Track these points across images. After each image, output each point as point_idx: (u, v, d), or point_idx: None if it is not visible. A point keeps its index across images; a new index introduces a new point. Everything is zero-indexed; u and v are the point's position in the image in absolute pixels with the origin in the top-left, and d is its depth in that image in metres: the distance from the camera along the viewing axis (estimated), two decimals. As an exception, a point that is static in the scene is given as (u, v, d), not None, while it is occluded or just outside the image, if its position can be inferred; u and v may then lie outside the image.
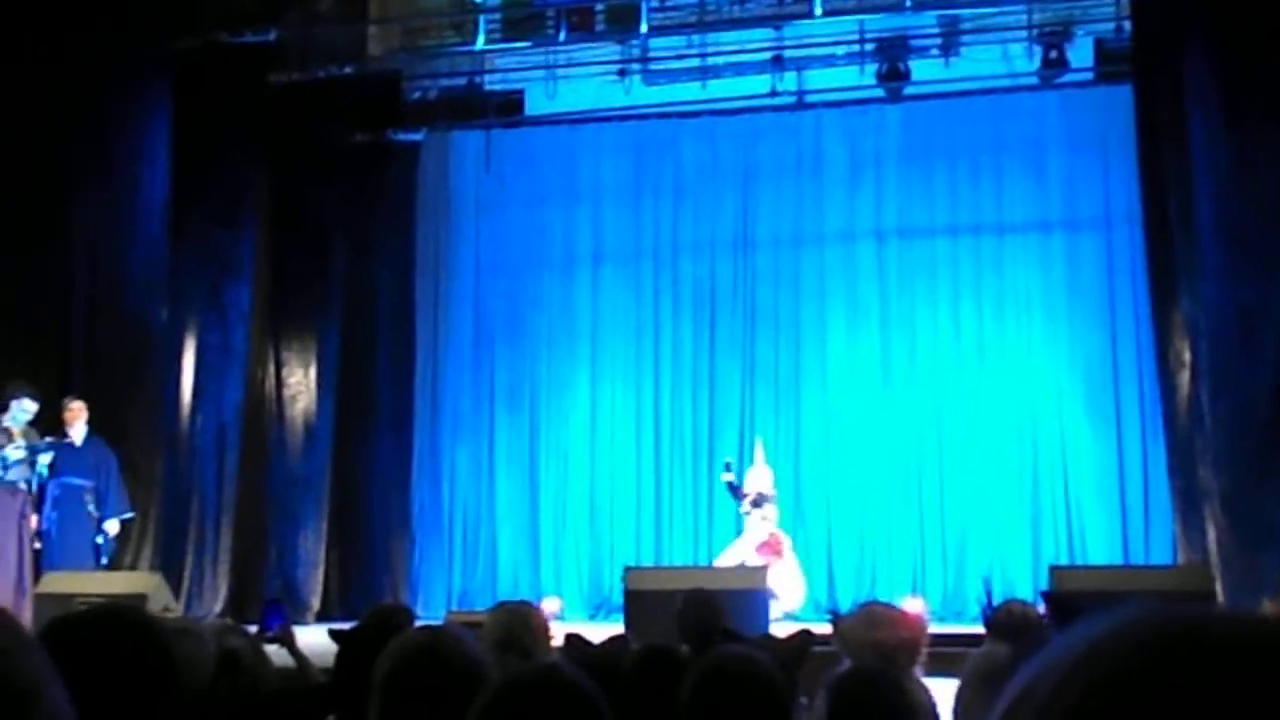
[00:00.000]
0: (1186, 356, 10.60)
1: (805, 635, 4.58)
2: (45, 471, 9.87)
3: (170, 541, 11.17)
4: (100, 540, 10.07)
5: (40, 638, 1.82)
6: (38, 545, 9.84)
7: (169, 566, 10.80)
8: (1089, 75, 12.21)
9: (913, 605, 10.20)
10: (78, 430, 10.05)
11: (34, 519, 9.84)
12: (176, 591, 10.33)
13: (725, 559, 11.41)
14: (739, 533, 11.68)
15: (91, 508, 10.02)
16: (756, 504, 11.48)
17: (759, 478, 11.65)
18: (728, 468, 11.80)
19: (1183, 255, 10.48)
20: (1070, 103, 12.39)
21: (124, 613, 1.90)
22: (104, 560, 10.09)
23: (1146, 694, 0.71)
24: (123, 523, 10.27)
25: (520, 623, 4.62)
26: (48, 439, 9.91)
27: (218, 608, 11.25)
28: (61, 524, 9.91)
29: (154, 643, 1.81)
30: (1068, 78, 12.16)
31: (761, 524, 11.45)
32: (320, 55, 12.44)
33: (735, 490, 11.66)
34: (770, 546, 11.38)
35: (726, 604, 8.18)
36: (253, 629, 5.24)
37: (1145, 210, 10.99)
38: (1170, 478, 10.79)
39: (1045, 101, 12.47)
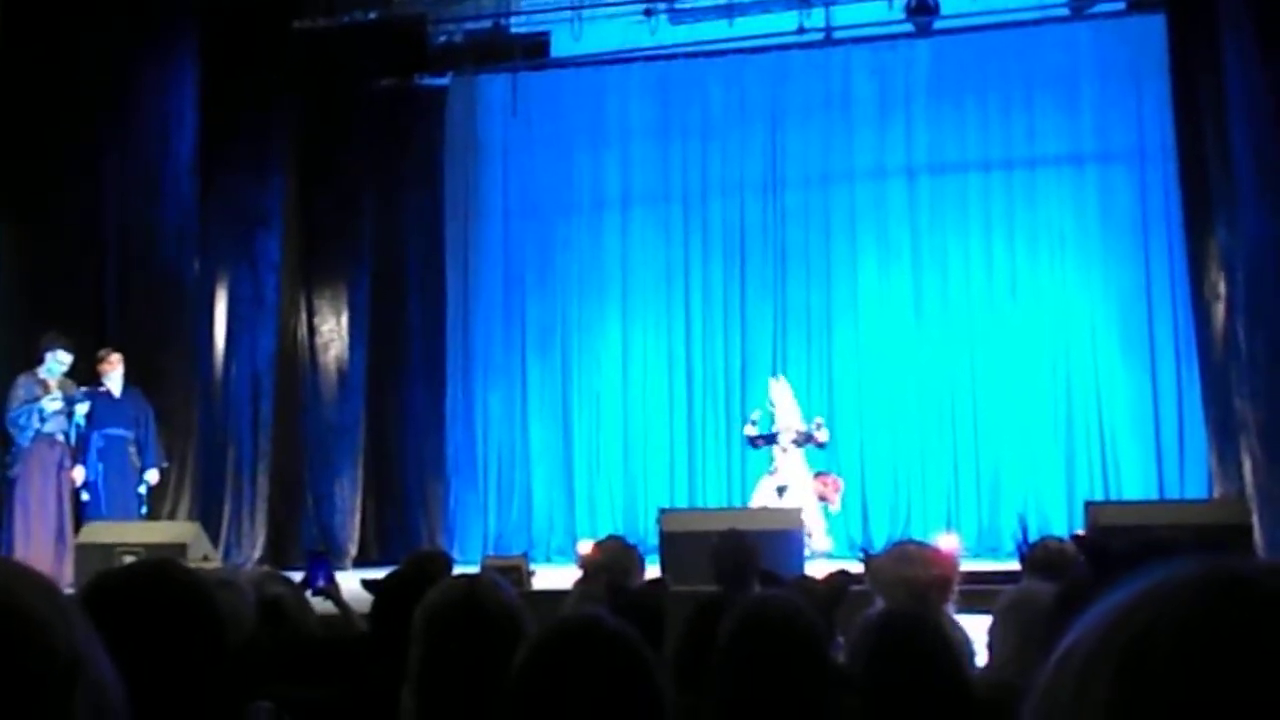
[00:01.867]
0: (1222, 289, 10.53)
1: (842, 575, 4.59)
2: (82, 422, 9.95)
3: (208, 491, 11.27)
4: (142, 490, 10.20)
5: (83, 595, 1.84)
6: (85, 496, 9.94)
7: (207, 515, 10.91)
8: (1121, 5, 12.04)
9: (947, 541, 10.20)
10: (115, 381, 10.13)
11: (78, 470, 9.94)
12: (215, 540, 10.43)
13: (772, 497, 11.24)
14: (770, 470, 11.56)
15: (134, 459, 10.13)
16: (800, 442, 11.36)
17: (790, 414, 11.52)
18: (753, 422, 11.63)
19: (1219, 186, 10.39)
20: (1102, 34, 12.23)
21: (166, 568, 1.91)
22: (143, 510, 10.21)
23: (1188, 648, 0.71)
24: (161, 471, 10.38)
25: (624, 555, 4.73)
26: (83, 389, 9.99)
27: (256, 555, 11.36)
28: (108, 476, 10.01)
29: (198, 598, 1.83)
30: (1099, 8, 12.00)
31: (801, 461, 11.34)
32: (344, 1, 12.37)
33: (755, 441, 11.51)
34: (832, 482, 11.30)
35: (762, 545, 8.22)
36: (296, 578, 5.30)
37: (1180, 142, 10.89)
38: (1205, 410, 10.76)
39: (1076, 33, 12.31)
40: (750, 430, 11.57)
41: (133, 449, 10.14)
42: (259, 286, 11.88)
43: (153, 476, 10.25)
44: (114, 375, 10.12)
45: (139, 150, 11.20)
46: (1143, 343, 11.97)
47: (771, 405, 11.61)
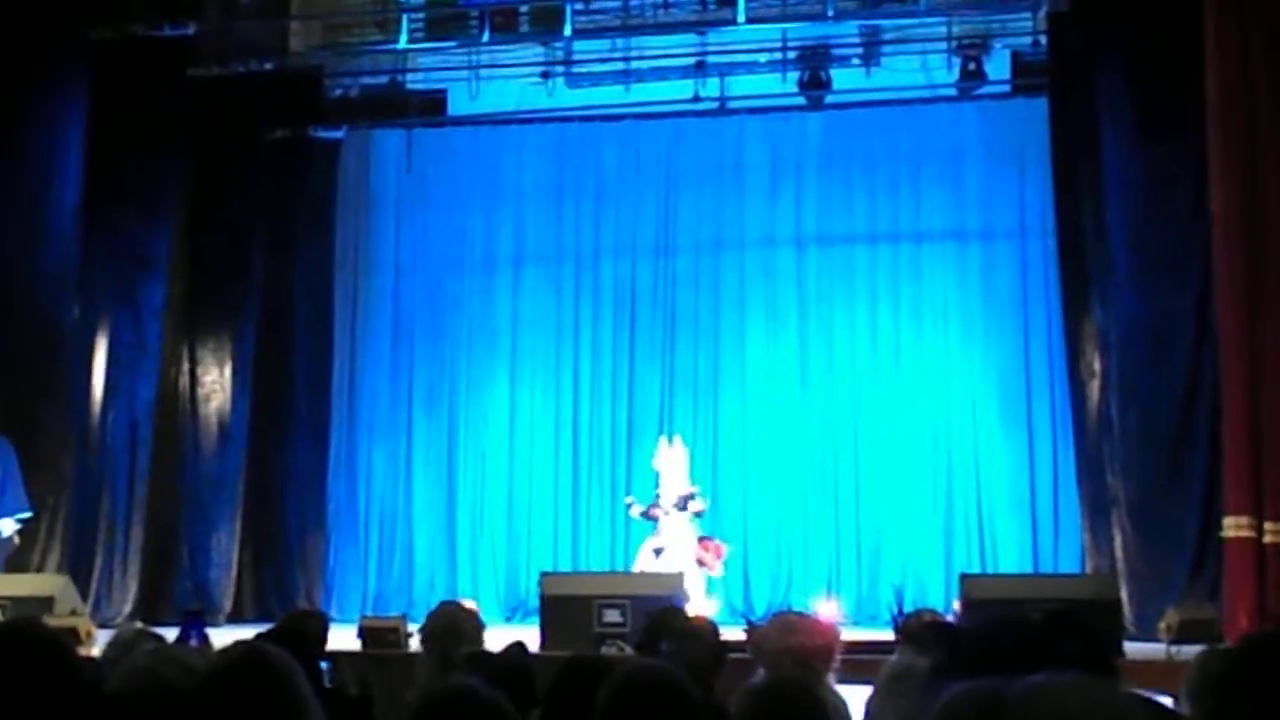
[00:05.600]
0: (1097, 366, 10.81)
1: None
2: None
3: (80, 541, 11.00)
4: None
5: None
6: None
7: (78, 567, 10.64)
8: (1006, 87, 12.38)
9: (827, 608, 10.27)
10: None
11: (6, 522, 9.57)
12: (85, 592, 10.17)
13: (650, 558, 11.05)
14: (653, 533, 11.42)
15: None
16: (680, 506, 11.19)
17: (678, 478, 11.38)
18: (629, 505, 11.49)
19: (1095, 266, 10.70)
20: (988, 114, 12.55)
21: (26, 628, 1.87)
22: None
23: None
24: (23, 522, 9.85)
25: (451, 621, 4.65)
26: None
27: (127, 609, 11.10)
28: None
29: (58, 658, 1.79)
30: (985, 89, 12.33)
31: (690, 524, 11.16)
32: (240, 50, 12.29)
33: (648, 515, 11.23)
34: (714, 548, 11.14)
35: (643, 611, 8.22)
36: (168, 634, 5.18)
37: (1059, 222, 11.18)
38: (1079, 486, 10.99)
39: (963, 112, 12.62)
40: (636, 511, 11.37)
41: None
42: (141, 333, 11.68)
43: (6, 526, 9.68)
44: None
45: (20, 191, 11.00)
46: (1021, 417, 12.20)
47: (656, 469, 11.50)
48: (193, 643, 5.14)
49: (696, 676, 3.25)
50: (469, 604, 10.41)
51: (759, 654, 4.02)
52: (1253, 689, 2.69)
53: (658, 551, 11.00)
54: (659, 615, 4.88)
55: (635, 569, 11.08)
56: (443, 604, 5.05)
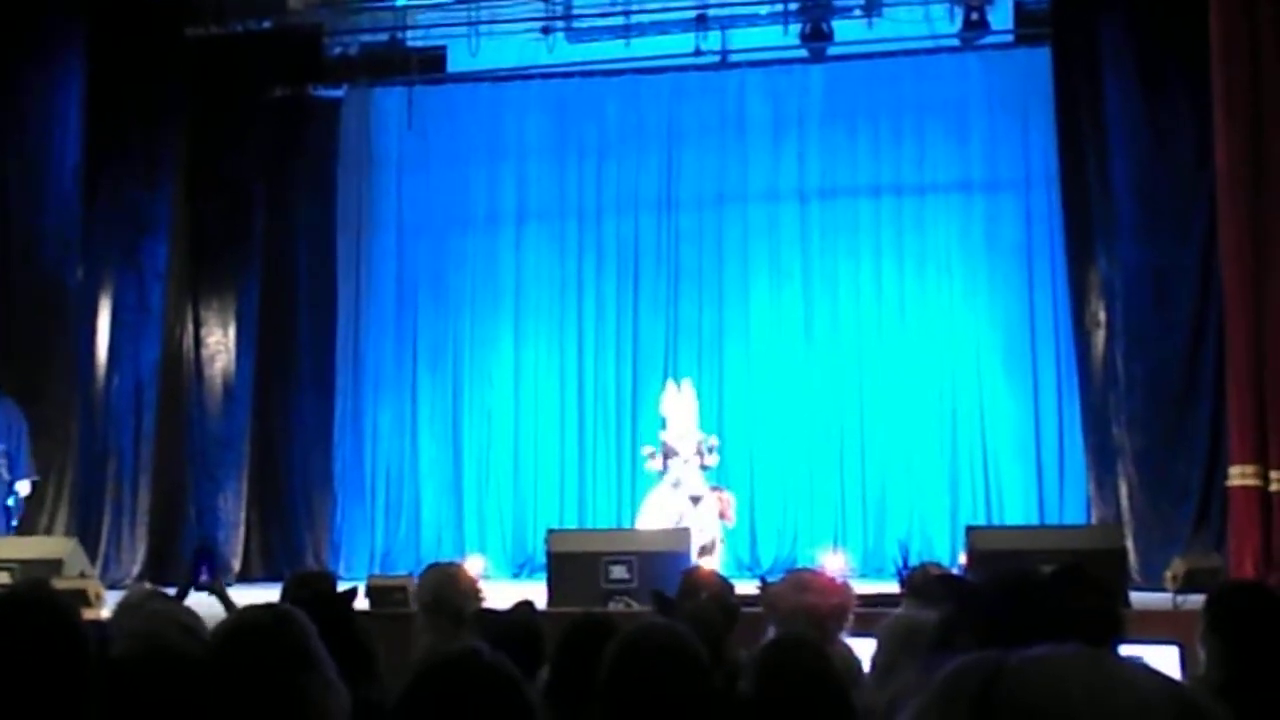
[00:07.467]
0: (1102, 317, 10.80)
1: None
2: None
3: (87, 503, 11.04)
4: (10, 503, 9.88)
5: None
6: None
7: (85, 529, 10.68)
8: (1009, 37, 12.29)
9: (834, 561, 10.29)
10: (-13, 394, 9.86)
11: (24, 484, 9.75)
12: (93, 554, 10.21)
13: (684, 508, 10.81)
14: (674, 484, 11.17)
15: (4, 471, 9.83)
16: (700, 453, 11.03)
17: (689, 423, 11.10)
18: (651, 455, 11.14)
19: (1100, 216, 10.67)
20: (991, 64, 12.48)
21: (28, 595, 1.88)
22: (13, 524, 9.90)
23: None
24: (32, 485, 10.09)
25: (449, 583, 4.66)
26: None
27: (136, 570, 11.15)
28: None
29: (64, 627, 1.80)
30: (988, 40, 12.23)
31: (700, 474, 11.01)
32: (238, 9, 12.22)
33: (668, 457, 11.03)
34: (726, 498, 10.99)
35: (649, 567, 8.25)
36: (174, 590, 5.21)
37: (1063, 172, 11.15)
38: (1085, 437, 11.00)
39: (966, 63, 12.55)
40: (657, 463, 11.03)
41: (3, 461, 9.84)
42: (144, 295, 11.68)
43: (23, 488, 9.96)
44: None
45: (20, 152, 10.96)
46: (1026, 368, 12.20)
47: (662, 414, 11.39)
48: (204, 578, 5.17)
49: (707, 635, 3.26)
50: (475, 560, 10.34)
51: (772, 612, 4.04)
52: (1227, 629, 2.84)
53: (695, 500, 10.72)
54: (689, 577, 4.90)
55: (645, 516, 10.93)
56: (431, 567, 5.01)
